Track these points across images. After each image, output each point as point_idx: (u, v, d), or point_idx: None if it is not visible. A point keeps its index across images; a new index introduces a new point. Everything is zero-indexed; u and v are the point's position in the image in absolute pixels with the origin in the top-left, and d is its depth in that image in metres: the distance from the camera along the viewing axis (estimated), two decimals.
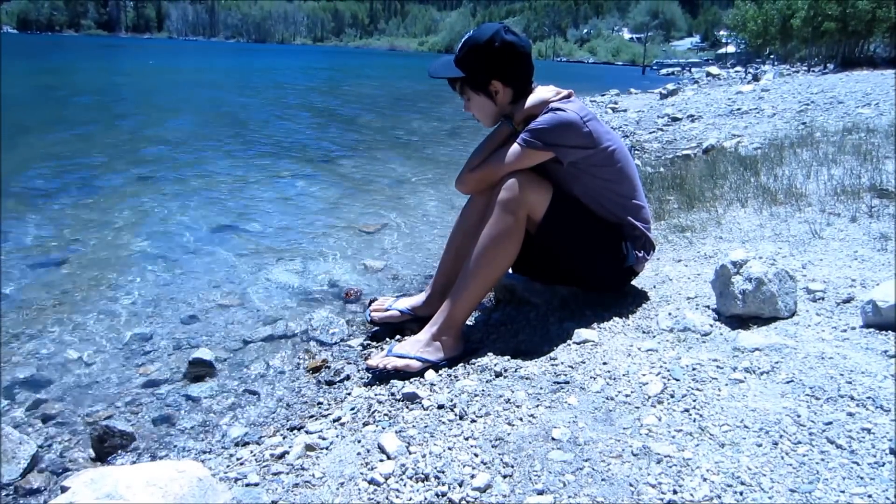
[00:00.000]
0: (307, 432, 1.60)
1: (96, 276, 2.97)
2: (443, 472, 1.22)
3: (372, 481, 1.24)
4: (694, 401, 1.38)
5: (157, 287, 2.87)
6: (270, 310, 2.66)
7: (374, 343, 2.25)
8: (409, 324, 2.22)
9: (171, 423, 1.83)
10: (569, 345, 1.81)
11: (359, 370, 2.02)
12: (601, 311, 2.04)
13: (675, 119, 8.86)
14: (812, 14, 23.12)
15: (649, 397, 1.42)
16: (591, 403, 1.44)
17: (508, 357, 1.78)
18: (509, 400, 1.49)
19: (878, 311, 1.61)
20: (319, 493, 1.24)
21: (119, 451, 1.67)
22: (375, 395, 1.72)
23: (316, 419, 1.72)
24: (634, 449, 1.23)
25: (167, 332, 2.42)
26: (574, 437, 1.30)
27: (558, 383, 1.56)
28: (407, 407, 1.59)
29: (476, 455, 1.27)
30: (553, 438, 1.30)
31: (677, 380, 1.48)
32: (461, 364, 1.83)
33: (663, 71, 45.38)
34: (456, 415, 1.47)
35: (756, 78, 17.48)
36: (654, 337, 1.78)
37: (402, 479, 1.23)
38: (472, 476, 1.20)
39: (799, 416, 1.27)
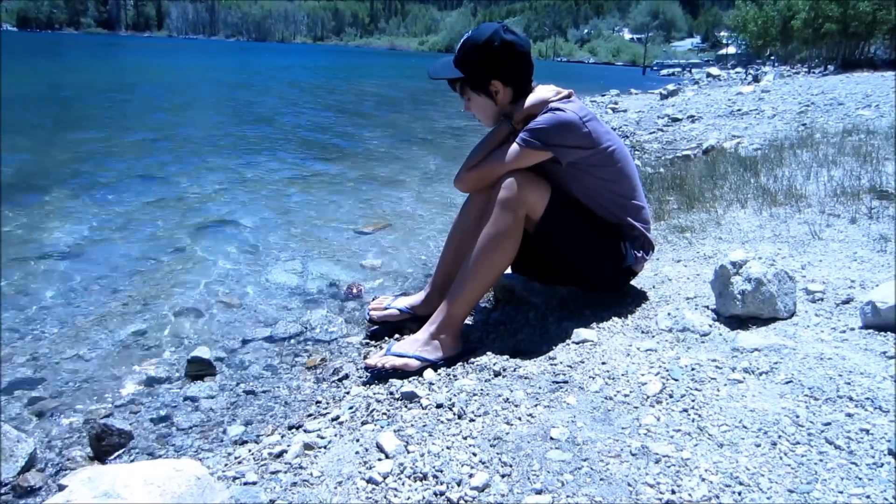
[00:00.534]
0: (305, 431, 1.59)
1: (94, 274, 2.97)
2: (441, 472, 1.22)
3: (370, 480, 1.24)
4: (693, 401, 1.38)
5: (156, 285, 2.87)
6: (269, 309, 2.66)
7: (372, 342, 2.25)
8: (407, 323, 2.22)
9: (170, 422, 1.82)
10: (568, 344, 1.81)
11: (357, 369, 2.02)
12: (600, 311, 2.04)
13: (675, 120, 8.86)
14: (813, 15, 23.13)
15: (648, 397, 1.42)
16: (589, 403, 1.43)
17: (507, 356, 1.78)
18: (508, 399, 1.49)
19: (878, 312, 1.61)
20: (317, 491, 1.24)
21: (117, 450, 1.67)
22: (374, 394, 1.72)
23: (314, 418, 1.72)
24: (633, 449, 1.23)
25: (166, 331, 2.42)
26: (572, 436, 1.30)
27: (557, 383, 1.56)
28: (405, 406, 1.59)
29: (474, 454, 1.27)
30: (551, 438, 1.30)
31: (676, 380, 1.48)
32: (460, 363, 1.83)
33: (664, 71, 45.37)
34: (454, 414, 1.47)
35: (756, 79, 17.49)
36: (653, 337, 1.78)
37: (400, 479, 1.23)
38: (471, 475, 1.20)
39: (798, 417, 1.27)
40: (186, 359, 2.14)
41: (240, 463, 1.48)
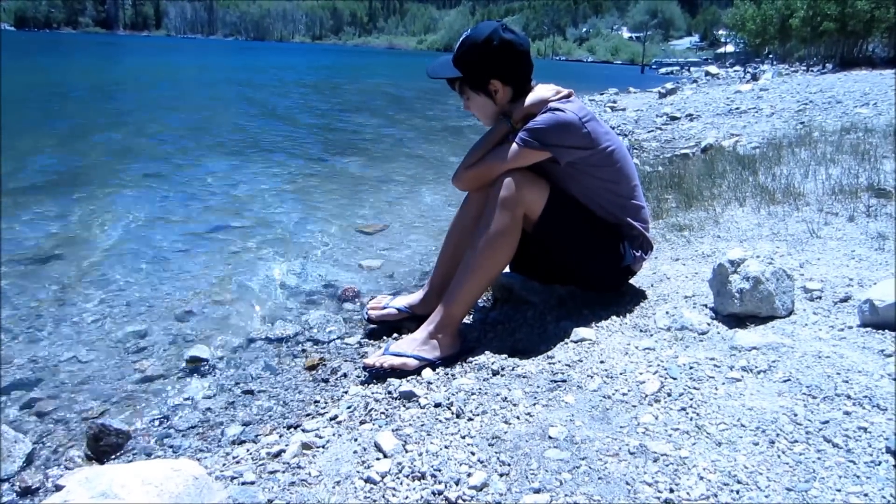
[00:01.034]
0: (304, 431, 1.59)
1: (92, 273, 2.97)
2: (439, 471, 1.22)
3: (368, 480, 1.23)
4: (691, 399, 1.38)
5: (154, 285, 2.86)
6: (268, 308, 2.66)
7: (371, 341, 2.25)
8: (406, 322, 2.22)
9: (168, 422, 1.82)
10: (566, 343, 1.81)
11: (356, 368, 2.02)
12: (599, 310, 2.04)
13: (673, 118, 8.86)
14: (811, 14, 23.13)
15: (646, 396, 1.42)
16: (587, 402, 1.43)
17: (506, 355, 1.78)
18: (506, 398, 1.49)
19: (876, 310, 1.61)
20: (316, 491, 1.24)
21: (115, 450, 1.67)
22: (372, 393, 1.71)
23: (312, 417, 1.71)
24: (631, 447, 1.23)
25: (163, 330, 2.41)
26: (571, 435, 1.29)
27: (555, 382, 1.56)
28: (404, 405, 1.58)
29: (473, 453, 1.27)
30: (550, 437, 1.30)
31: (674, 378, 1.48)
32: (458, 362, 1.83)
33: (662, 70, 45.35)
34: (453, 413, 1.46)
35: (755, 77, 17.49)
36: (651, 336, 1.78)
37: (398, 478, 1.22)
38: (469, 474, 1.20)
39: (796, 415, 1.27)
40: (184, 358, 2.14)
41: (238, 463, 1.48)
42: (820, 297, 1.89)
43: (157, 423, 1.82)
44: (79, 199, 4.28)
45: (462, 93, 2.04)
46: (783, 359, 1.51)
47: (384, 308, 2.27)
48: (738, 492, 1.08)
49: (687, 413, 1.34)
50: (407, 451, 1.32)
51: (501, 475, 1.19)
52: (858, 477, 1.08)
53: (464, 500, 1.13)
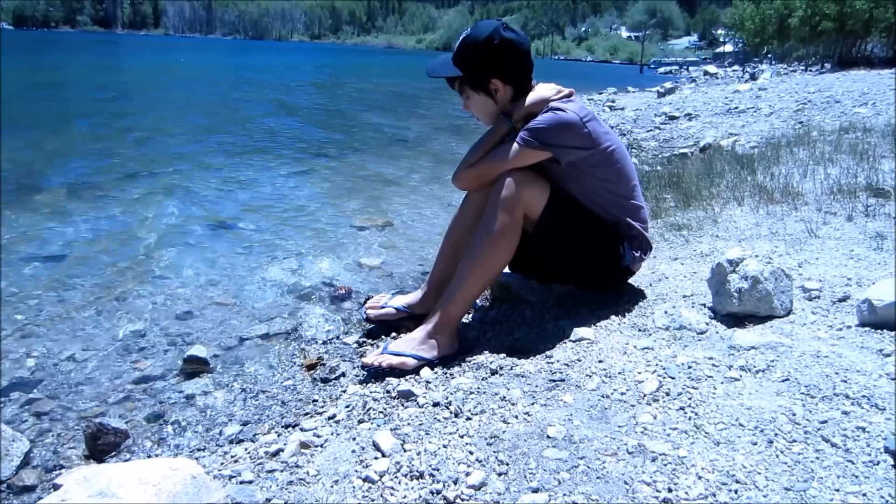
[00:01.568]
0: (302, 430, 1.59)
1: (90, 272, 2.96)
2: (438, 470, 1.21)
3: (366, 479, 1.23)
4: (689, 399, 1.38)
5: (151, 284, 2.86)
6: (266, 307, 2.65)
7: (369, 341, 2.24)
8: (404, 321, 2.22)
9: (166, 421, 1.82)
10: (565, 343, 1.81)
11: (354, 368, 2.01)
12: (597, 310, 2.04)
13: (672, 117, 8.86)
14: (809, 13, 23.12)
15: (645, 395, 1.42)
16: (586, 401, 1.43)
17: (504, 355, 1.78)
18: (505, 398, 1.49)
19: (874, 309, 1.61)
20: (314, 490, 1.23)
21: (113, 449, 1.66)
22: (370, 392, 1.71)
23: (311, 417, 1.71)
24: (629, 447, 1.23)
25: (162, 329, 2.41)
26: (569, 435, 1.29)
27: (554, 381, 1.55)
28: (402, 405, 1.58)
29: (471, 453, 1.27)
30: (548, 436, 1.29)
31: (673, 378, 1.48)
32: (457, 362, 1.82)
33: (661, 69, 45.38)
34: (451, 412, 1.46)
35: (753, 77, 17.49)
36: (650, 335, 1.78)
37: (396, 477, 1.22)
38: (467, 474, 1.19)
39: (794, 415, 1.27)
40: (183, 357, 2.13)
41: (236, 462, 1.48)
42: (818, 297, 1.89)
43: (154, 422, 1.82)
44: (77, 199, 4.27)
45: (462, 92, 2.03)
46: (781, 358, 1.51)
47: (382, 307, 2.26)
48: (736, 491, 1.08)
49: (685, 412, 1.34)
50: (405, 451, 1.32)
51: (500, 474, 1.19)
52: (857, 477, 1.08)
53: (462, 500, 1.13)
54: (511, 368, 1.67)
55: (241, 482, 1.31)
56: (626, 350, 1.68)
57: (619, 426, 1.31)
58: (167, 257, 3.22)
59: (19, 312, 2.50)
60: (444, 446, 1.31)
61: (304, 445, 1.46)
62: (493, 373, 1.67)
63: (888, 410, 1.25)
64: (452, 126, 9.67)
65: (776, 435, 1.22)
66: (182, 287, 2.83)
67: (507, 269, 2.15)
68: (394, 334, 2.19)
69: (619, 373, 1.54)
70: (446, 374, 1.76)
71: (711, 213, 3.15)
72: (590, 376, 1.56)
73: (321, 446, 1.45)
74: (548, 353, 1.76)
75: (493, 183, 1.90)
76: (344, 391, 1.84)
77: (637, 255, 2.05)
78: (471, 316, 2.27)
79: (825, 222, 2.70)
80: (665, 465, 1.17)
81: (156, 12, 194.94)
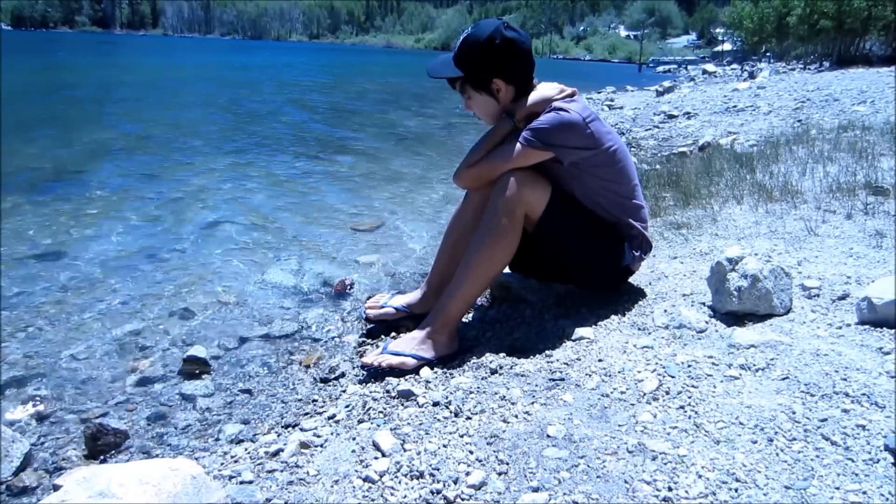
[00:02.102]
0: (302, 430, 1.59)
1: (90, 272, 2.96)
2: (438, 470, 1.21)
3: (366, 479, 1.23)
4: (689, 398, 1.38)
5: (151, 284, 2.86)
6: (265, 307, 2.65)
7: (369, 340, 2.24)
8: (404, 321, 2.22)
9: (166, 421, 1.82)
10: (564, 342, 1.81)
11: (354, 368, 2.01)
12: (597, 309, 2.04)
13: (671, 116, 8.86)
14: (808, 12, 23.13)
15: (644, 394, 1.42)
16: (586, 400, 1.43)
17: (504, 354, 1.78)
18: (504, 397, 1.49)
19: (874, 307, 1.61)
20: (314, 490, 1.23)
21: (113, 449, 1.66)
22: (370, 392, 1.71)
23: (311, 416, 1.71)
24: (629, 446, 1.23)
25: (161, 330, 2.41)
26: (569, 434, 1.29)
27: (554, 380, 1.55)
28: (402, 404, 1.58)
29: (471, 452, 1.27)
30: (548, 436, 1.29)
31: (672, 377, 1.48)
32: (456, 361, 1.82)
33: (660, 68, 45.31)
34: (451, 412, 1.46)
35: (752, 75, 17.49)
36: (649, 334, 1.78)
37: (396, 477, 1.22)
38: (467, 473, 1.19)
39: (794, 413, 1.27)
40: (182, 357, 2.13)
41: (236, 462, 1.48)
42: (818, 295, 1.89)
43: (154, 422, 1.82)
44: (76, 199, 4.27)
45: (463, 92, 2.02)
46: (781, 357, 1.51)
47: (382, 307, 2.26)
48: (736, 490, 1.08)
49: (685, 411, 1.34)
50: (405, 450, 1.32)
51: (500, 474, 1.19)
52: (857, 475, 1.08)
53: (462, 499, 1.13)
54: (511, 368, 1.67)
55: (241, 482, 1.31)
56: (626, 349, 1.68)
57: (619, 425, 1.31)
58: (166, 257, 3.22)
59: (19, 312, 2.50)
60: (444, 446, 1.31)
61: (304, 445, 1.46)
62: (493, 372, 1.67)
63: (888, 408, 1.25)
64: (451, 125, 9.66)
65: (776, 433, 1.22)
66: (182, 287, 2.83)
67: (507, 269, 2.15)
68: (393, 334, 2.19)
69: (619, 372, 1.54)
70: (446, 373, 1.76)
71: (711, 212, 3.15)
72: (590, 375, 1.56)
73: (321, 446, 1.45)
74: (547, 352, 1.76)
75: (495, 182, 1.90)
76: (344, 391, 1.84)
77: (637, 254, 2.05)
78: (470, 315, 2.27)
79: (824, 220, 2.70)
80: (665, 463, 1.17)
81: (154, 12, 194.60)
